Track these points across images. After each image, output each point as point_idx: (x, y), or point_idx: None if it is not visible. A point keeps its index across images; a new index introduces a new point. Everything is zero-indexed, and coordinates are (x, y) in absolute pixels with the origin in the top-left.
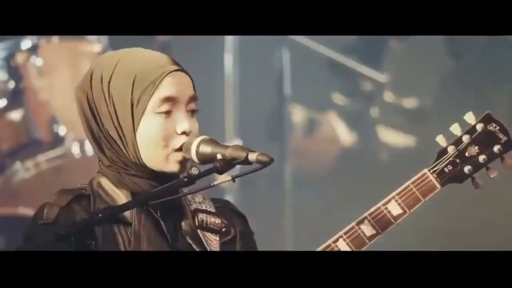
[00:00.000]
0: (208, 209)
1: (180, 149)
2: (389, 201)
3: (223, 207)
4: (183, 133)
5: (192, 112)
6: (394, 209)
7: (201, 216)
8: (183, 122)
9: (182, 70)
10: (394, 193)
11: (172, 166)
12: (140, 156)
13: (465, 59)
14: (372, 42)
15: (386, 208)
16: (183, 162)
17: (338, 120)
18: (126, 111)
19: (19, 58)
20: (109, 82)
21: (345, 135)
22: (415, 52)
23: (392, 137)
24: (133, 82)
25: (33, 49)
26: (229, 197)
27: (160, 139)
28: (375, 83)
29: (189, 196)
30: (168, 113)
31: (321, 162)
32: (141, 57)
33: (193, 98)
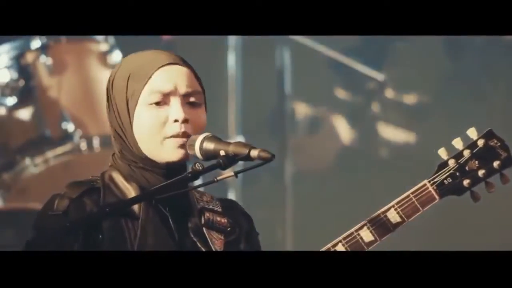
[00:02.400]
0: (215, 209)
1: (174, 136)
2: (388, 209)
3: (229, 207)
4: (176, 121)
5: (192, 104)
6: (393, 217)
7: (208, 214)
8: (176, 110)
9: (180, 63)
10: (393, 202)
11: (170, 155)
12: (140, 149)
13: (464, 58)
14: (373, 41)
15: (385, 216)
16: (182, 150)
17: (339, 117)
18: (123, 107)
19: (29, 57)
20: (112, 84)
21: (345, 132)
22: (415, 51)
23: (392, 134)
24: (128, 80)
25: (43, 49)
26: (231, 192)
27: (153, 128)
28: (375, 81)
29: (197, 195)
30: (160, 103)
31: (322, 159)
32: (139, 56)
33: (192, 90)
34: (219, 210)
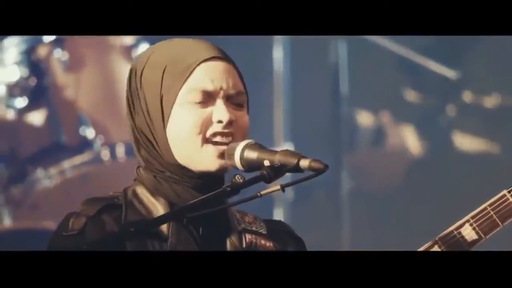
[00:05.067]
0: (259, 230)
1: (216, 141)
2: (462, 224)
3: (276, 229)
4: (220, 122)
5: (236, 105)
6: (469, 234)
7: (250, 237)
8: (220, 110)
9: (224, 58)
10: (468, 216)
11: (208, 163)
12: (172, 155)
13: None
14: (448, 37)
15: (459, 233)
16: (223, 160)
17: (406, 124)
18: (156, 104)
19: (42, 51)
20: (141, 75)
21: (414, 141)
22: (496, 48)
23: (470, 144)
24: (163, 72)
25: (57, 42)
26: (278, 209)
27: (192, 131)
28: (450, 82)
29: (237, 215)
30: (201, 103)
31: (384, 171)
32: (175, 46)
33: (237, 90)
34: (264, 232)
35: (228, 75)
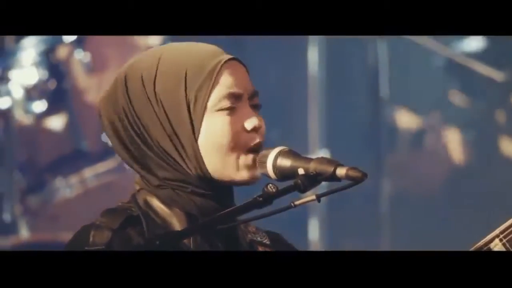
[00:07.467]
0: (263, 241)
1: (252, 151)
2: (492, 239)
3: (276, 240)
4: (253, 129)
5: (256, 107)
6: (499, 249)
7: (260, 249)
8: (251, 117)
9: (235, 58)
10: (497, 231)
11: (243, 174)
12: (204, 166)
13: None
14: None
15: (488, 248)
16: (253, 170)
17: (450, 128)
18: (181, 114)
19: (62, 52)
20: (154, 84)
21: (458, 147)
22: None
23: None
24: (185, 78)
25: (78, 42)
26: (313, 220)
27: (228, 140)
28: (496, 84)
29: (242, 225)
30: (231, 109)
31: (427, 180)
32: (187, 49)
33: (255, 90)
34: (268, 242)
35: (246, 76)
